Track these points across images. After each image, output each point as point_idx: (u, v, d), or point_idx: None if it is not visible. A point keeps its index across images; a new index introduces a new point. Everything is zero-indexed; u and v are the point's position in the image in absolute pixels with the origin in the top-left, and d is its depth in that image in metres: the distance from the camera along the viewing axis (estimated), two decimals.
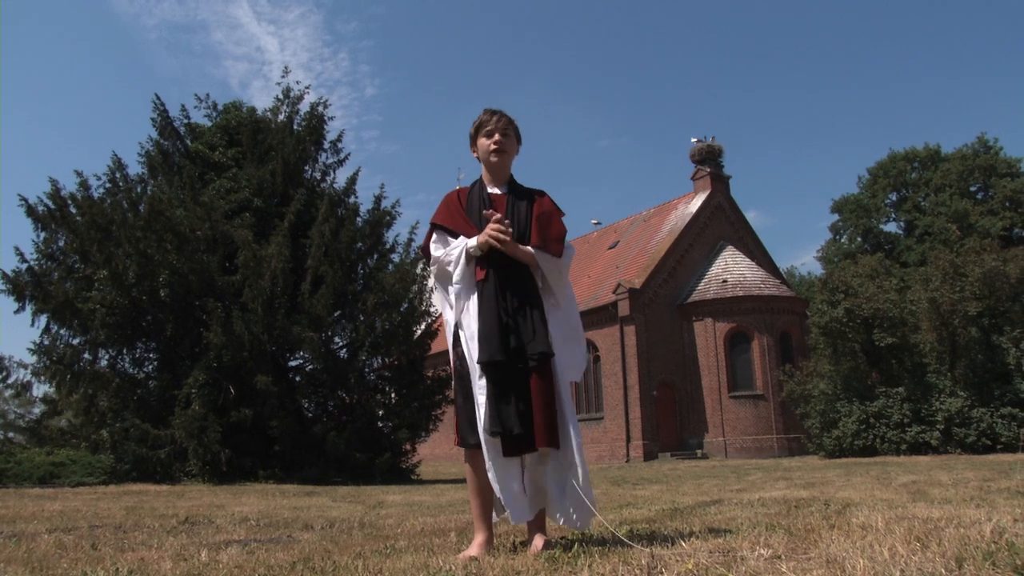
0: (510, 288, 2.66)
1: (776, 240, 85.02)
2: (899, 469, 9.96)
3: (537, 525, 2.64)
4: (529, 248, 2.71)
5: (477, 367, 2.58)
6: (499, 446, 2.53)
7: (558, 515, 2.60)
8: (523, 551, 2.54)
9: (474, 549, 2.53)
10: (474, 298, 2.67)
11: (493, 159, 2.83)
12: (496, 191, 2.87)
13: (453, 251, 2.72)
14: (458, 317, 2.72)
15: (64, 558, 2.80)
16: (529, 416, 2.52)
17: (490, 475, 2.54)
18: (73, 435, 13.87)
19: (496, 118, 2.84)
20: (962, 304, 17.11)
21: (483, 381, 2.56)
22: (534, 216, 2.79)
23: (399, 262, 15.12)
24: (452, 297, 2.75)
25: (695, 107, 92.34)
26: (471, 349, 2.63)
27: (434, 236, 2.84)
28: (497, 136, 2.83)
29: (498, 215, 2.66)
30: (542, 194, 2.92)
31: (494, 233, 2.62)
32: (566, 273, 2.84)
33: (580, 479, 2.54)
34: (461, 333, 2.71)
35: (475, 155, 2.93)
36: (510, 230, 2.66)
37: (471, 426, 2.60)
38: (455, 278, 2.71)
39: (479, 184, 2.90)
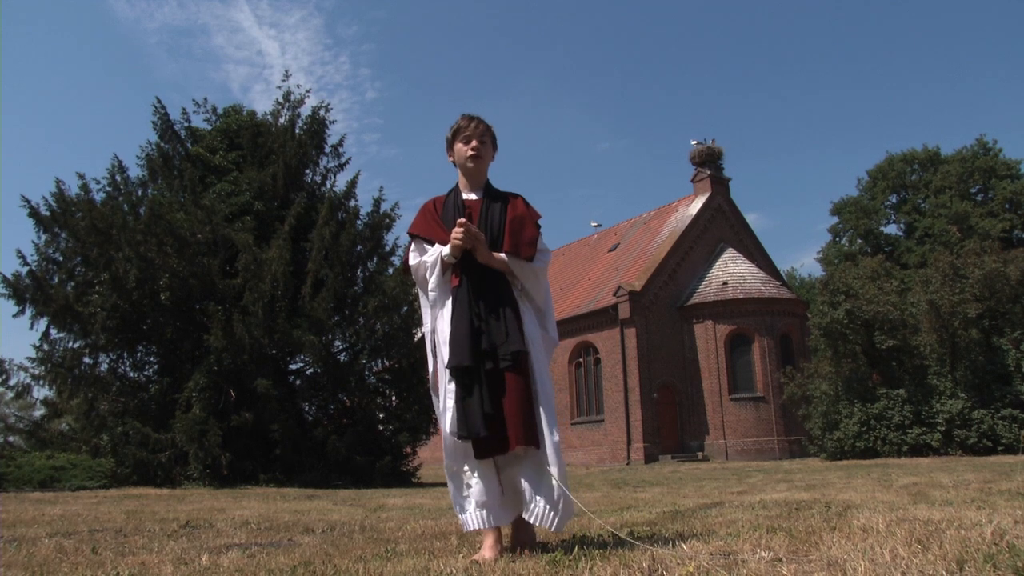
0: (484, 293, 2.68)
1: (776, 242, 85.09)
2: (900, 471, 9.94)
3: (523, 531, 2.64)
4: (502, 255, 2.74)
5: (447, 371, 2.62)
6: (471, 449, 2.57)
7: (532, 514, 2.55)
8: (520, 554, 2.54)
9: (487, 550, 2.52)
10: (448, 304, 2.71)
11: (470, 165, 2.84)
12: (471, 196, 2.88)
13: (428, 259, 2.75)
14: (434, 323, 2.77)
15: (64, 562, 2.80)
16: (500, 418, 2.53)
17: (469, 476, 2.60)
18: (73, 439, 13.86)
19: (474, 124, 2.85)
20: (962, 306, 17.11)
21: (452, 385, 2.60)
22: (507, 220, 2.80)
23: (399, 265, 15.14)
24: (429, 303, 2.80)
25: (695, 109, 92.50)
26: (442, 353, 2.67)
27: (412, 245, 2.87)
28: (475, 142, 2.84)
29: (463, 221, 2.66)
30: (516, 198, 2.92)
31: (455, 236, 2.64)
32: (543, 277, 2.86)
33: (557, 478, 2.52)
34: (436, 338, 2.74)
35: (451, 160, 2.94)
36: (477, 231, 2.66)
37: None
38: (431, 284, 2.75)
39: (454, 191, 2.92)
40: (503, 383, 2.57)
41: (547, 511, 2.52)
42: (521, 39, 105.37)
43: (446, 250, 2.69)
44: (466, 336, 2.59)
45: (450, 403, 2.59)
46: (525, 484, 2.55)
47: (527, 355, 2.63)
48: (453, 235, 2.64)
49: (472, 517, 2.58)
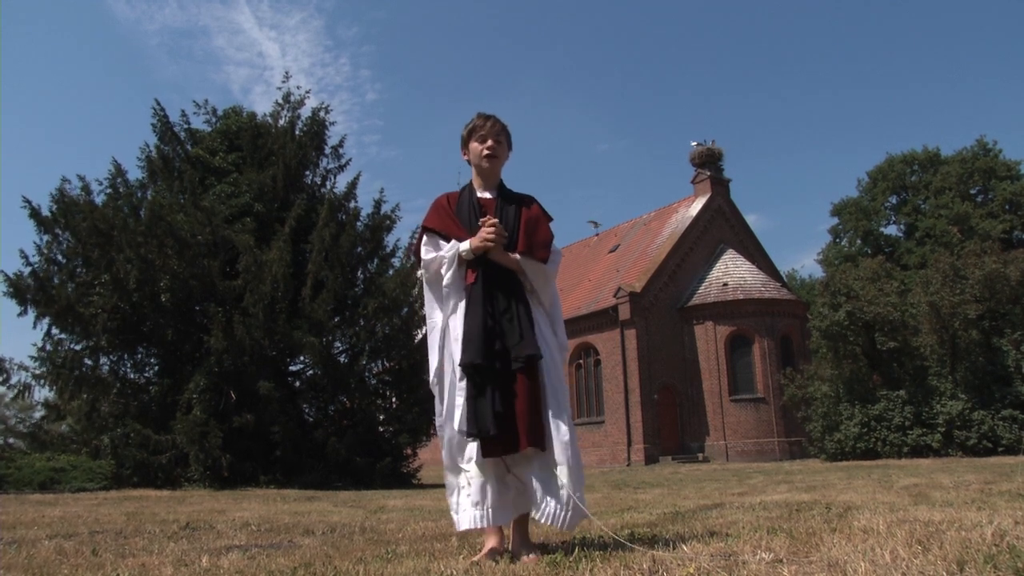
0: (498, 292, 2.69)
1: (776, 243, 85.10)
2: (900, 472, 9.94)
3: (522, 536, 2.63)
4: (516, 255, 2.74)
5: (458, 369, 2.61)
6: (474, 447, 2.56)
7: (543, 514, 2.53)
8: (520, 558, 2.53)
9: (488, 552, 2.52)
10: (463, 302, 2.70)
11: (485, 164, 2.85)
12: (486, 195, 2.89)
13: (446, 254, 2.74)
14: (445, 321, 2.75)
15: (65, 564, 2.80)
16: (511, 418, 2.52)
17: (470, 475, 2.58)
18: (74, 440, 13.85)
19: (490, 123, 2.85)
20: (962, 307, 17.12)
21: (463, 383, 2.60)
22: (522, 222, 2.81)
23: (399, 266, 15.14)
24: (442, 299, 2.78)
25: (695, 110, 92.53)
26: (454, 351, 2.66)
27: (425, 239, 2.86)
28: (490, 142, 2.84)
29: (493, 219, 2.69)
30: (531, 200, 2.94)
31: (487, 234, 2.65)
32: (553, 279, 2.87)
33: (567, 479, 2.50)
34: (448, 335, 2.73)
35: (465, 158, 2.95)
36: (504, 233, 2.69)
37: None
38: (446, 280, 2.73)
39: (469, 189, 2.92)
40: (514, 383, 2.57)
41: (558, 511, 2.50)
42: (521, 39, 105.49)
43: (465, 245, 2.69)
44: (480, 335, 2.59)
45: (460, 400, 2.59)
46: (536, 484, 2.55)
47: (539, 358, 2.63)
48: (484, 232, 2.66)
49: (467, 516, 2.56)
